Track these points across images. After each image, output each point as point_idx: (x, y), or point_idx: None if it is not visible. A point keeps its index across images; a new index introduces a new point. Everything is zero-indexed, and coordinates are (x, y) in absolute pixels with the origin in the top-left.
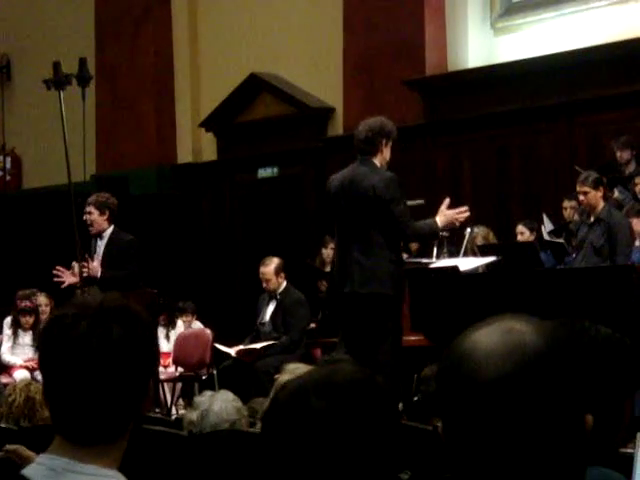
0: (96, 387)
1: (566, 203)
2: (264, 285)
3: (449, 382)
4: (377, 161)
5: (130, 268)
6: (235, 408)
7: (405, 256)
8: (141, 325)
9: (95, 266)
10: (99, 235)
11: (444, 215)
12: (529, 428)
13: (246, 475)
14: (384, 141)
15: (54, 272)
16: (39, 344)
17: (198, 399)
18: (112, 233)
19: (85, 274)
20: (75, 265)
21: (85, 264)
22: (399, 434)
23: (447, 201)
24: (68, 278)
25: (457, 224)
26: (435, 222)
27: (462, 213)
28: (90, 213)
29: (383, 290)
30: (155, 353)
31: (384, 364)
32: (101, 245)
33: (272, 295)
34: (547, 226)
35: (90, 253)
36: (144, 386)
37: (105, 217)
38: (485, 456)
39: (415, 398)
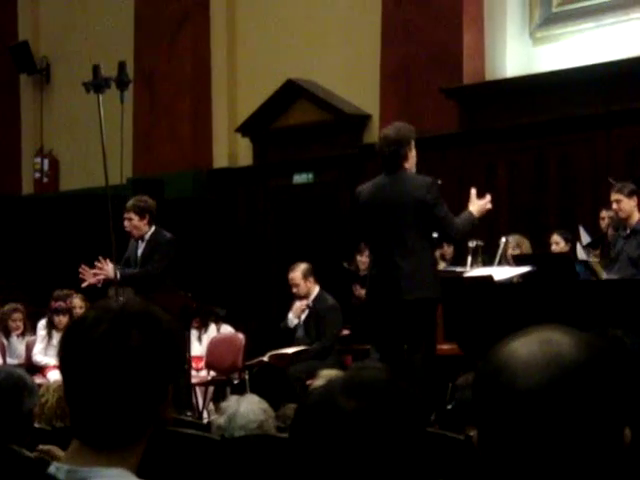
0: (113, 391)
1: (604, 213)
2: (294, 290)
3: (486, 391)
4: (407, 167)
5: (150, 266)
6: (261, 409)
7: (442, 265)
8: (162, 331)
9: (109, 269)
10: (141, 238)
11: (477, 205)
12: (565, 440)
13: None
14: (407, 148)
15: (79, 270)
16: (59, 345)
17: (225, 404)
18: (152, 234)
19: (103, 276)
20: (97, 265)
21: (100, 266)
22: (425, 435)
23: (474, 191)
24: (90, 278)
25: (487, 208)
26: (471, 213)
27: (488, 201)
28: (130, 219)
29: (431, 294)
30: (177, 359)
31: (420, 371)
32: (142, 247)
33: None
34: (584, 238)
35: (130, 255)
36: (163, 392)
37: (145, 221)
38: (519, 467)
39: (449, 407)
